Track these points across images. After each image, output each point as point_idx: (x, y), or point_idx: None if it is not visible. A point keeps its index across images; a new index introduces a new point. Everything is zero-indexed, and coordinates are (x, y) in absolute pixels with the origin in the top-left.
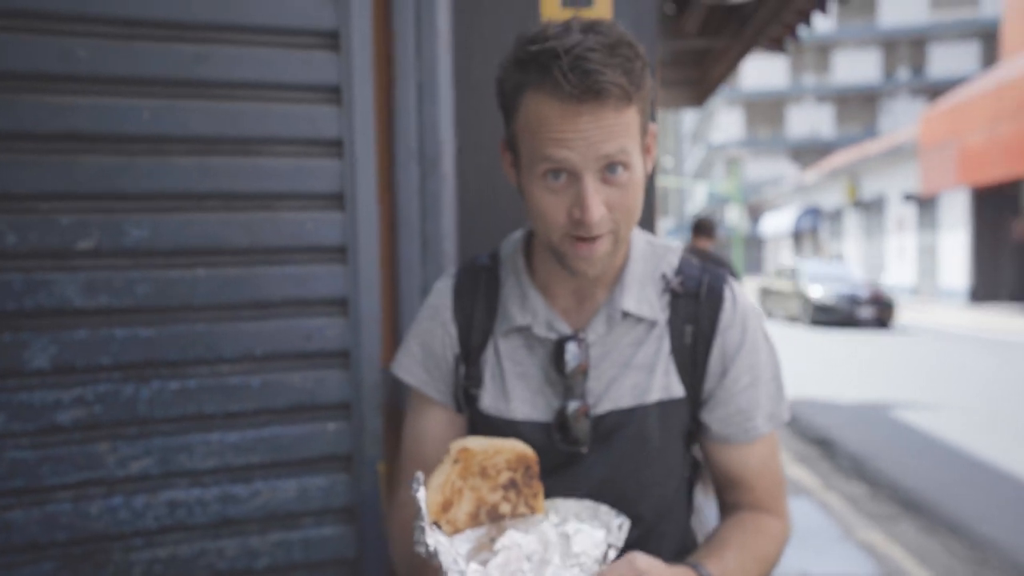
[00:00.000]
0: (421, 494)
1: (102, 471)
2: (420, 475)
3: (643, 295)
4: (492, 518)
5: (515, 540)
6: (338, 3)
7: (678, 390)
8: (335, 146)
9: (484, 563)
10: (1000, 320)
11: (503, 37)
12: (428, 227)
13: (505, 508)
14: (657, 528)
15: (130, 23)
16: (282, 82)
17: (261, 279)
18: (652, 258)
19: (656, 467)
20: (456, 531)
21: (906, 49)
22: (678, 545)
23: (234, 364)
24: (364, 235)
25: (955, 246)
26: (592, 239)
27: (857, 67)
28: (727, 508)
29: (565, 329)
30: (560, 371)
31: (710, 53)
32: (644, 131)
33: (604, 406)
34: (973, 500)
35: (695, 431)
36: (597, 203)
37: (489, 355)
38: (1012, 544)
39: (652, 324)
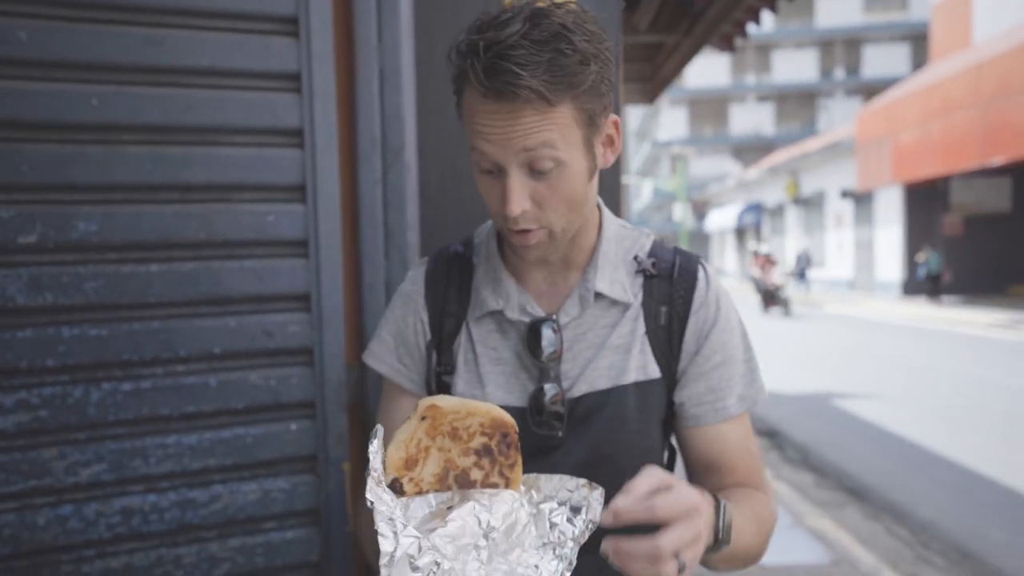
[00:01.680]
0: (374, 447)
1: (49, 479)
2: (379, 427)
3: (616, 276)
4: (461, 484)
5: (475, 512)
6: None
7: (654, 371)
8: (295, 135)
9: (429, 532)
10: (927, 311)
11: (464, 21)
12: (391, 219)
13: (477, 475)
14: None
15: (76, 4)
16: (240, 69)
17: (219, 274)
18: (625, 240)
19: (634, 450)
20: (420, 492)
21: (841, 50)
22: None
23: (191, 363)
24: (326, 228)
25: (890, 241)
26: (521, 231)
27: (796, 67)
28: None
29: (538, 312)
30: (535, 356)
31: (661, 49)
32: (591, 123)
33: (580, 388)
34: (912, 484)
35: (670, 416)
36: (519, 199)
37: (462, 341)
38: (951, 525)
39: (626, 307)
